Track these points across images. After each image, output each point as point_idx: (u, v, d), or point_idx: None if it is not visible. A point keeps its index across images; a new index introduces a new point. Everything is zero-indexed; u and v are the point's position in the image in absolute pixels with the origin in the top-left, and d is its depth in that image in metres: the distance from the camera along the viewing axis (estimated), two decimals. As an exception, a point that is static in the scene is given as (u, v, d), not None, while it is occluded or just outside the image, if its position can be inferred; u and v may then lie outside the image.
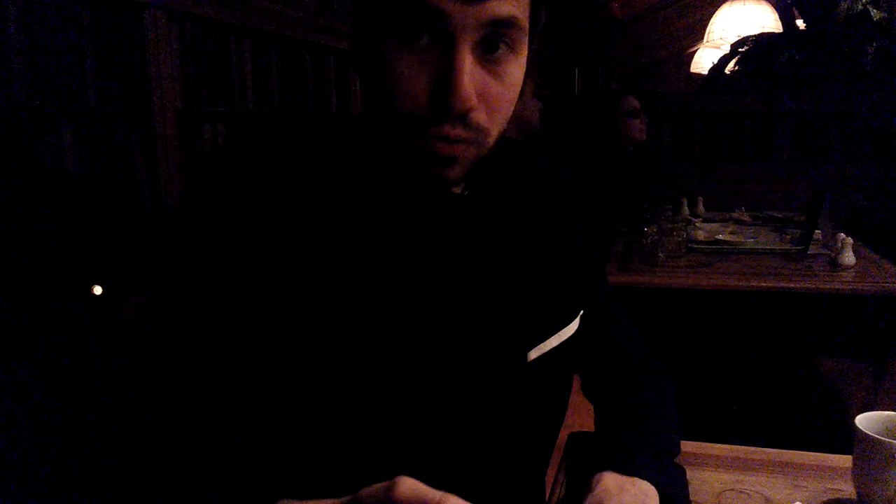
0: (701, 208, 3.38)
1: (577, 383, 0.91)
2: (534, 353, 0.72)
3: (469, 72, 0.57)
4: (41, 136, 1.44)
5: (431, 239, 0.68)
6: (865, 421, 0.79)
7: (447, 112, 0.57)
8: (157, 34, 1.68)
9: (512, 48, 0.60)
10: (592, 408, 0.89)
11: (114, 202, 1.61)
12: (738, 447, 0.93)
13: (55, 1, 1.47)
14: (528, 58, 0.65)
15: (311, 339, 0.63)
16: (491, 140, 0.63)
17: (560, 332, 0.75)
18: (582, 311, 0.80)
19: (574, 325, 0.77)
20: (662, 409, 0.82)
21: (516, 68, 0.62)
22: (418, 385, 0.66)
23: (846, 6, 3.50)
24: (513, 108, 0.64)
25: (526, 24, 0.61)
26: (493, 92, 0.60)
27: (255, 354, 0.63)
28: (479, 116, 0.60)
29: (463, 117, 0.58)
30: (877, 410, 0.80)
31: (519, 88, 0.64)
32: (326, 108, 2.47)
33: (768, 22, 4.41)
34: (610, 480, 0.69)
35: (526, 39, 0.62)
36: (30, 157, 1.41)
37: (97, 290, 1.36)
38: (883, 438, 0.74)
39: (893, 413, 0.80)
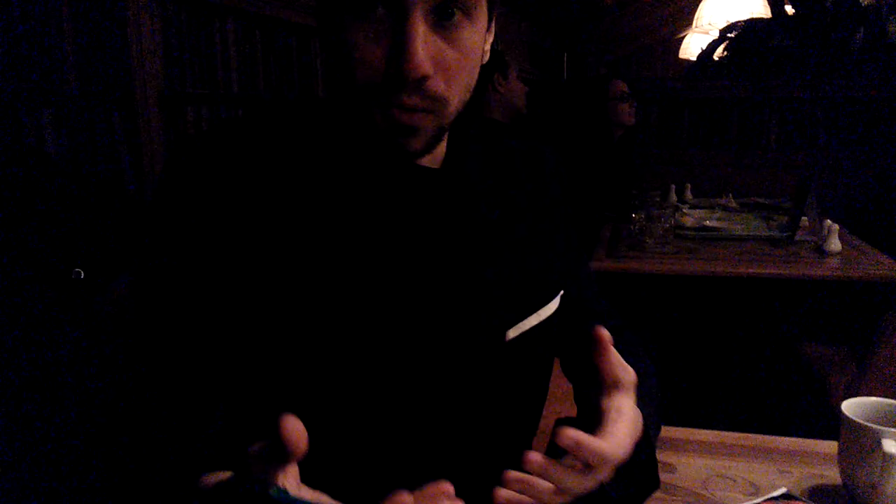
0: (688, 194, 3.40)
1: (560, 378, 0.91)
2: (512, 332, 0.72)
3: (422, 39, 0.57)
4: (20, 120, 1.42)
5: (408, 215, 0.68)
6: (852, 406, 0.79)
7: (402, 80, 0.58)
8: (138, 15, 1.65)
9: (467, 14, 0.61)
10: (572, 401, 0.88)
11: (96, 185, 1.59)
12: (724, 433, 0.93)
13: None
14: (489, 24, 0.66)
15: (289, 318, 0.62)
16: (451, 109, 0.63)
17: (539, 312, 0.75)
18: (562, 291, 0.80)
19: (553, 305, 0.78)
20: (646, 375, 0.82)
21: (473, 34, 0.62)
22: (398, 364, 0.66)
23: (835, -8, 3.50)
24: (474, 76, 0.65)
25: None
26: (450, 58, 0.60)
27: (235, 332, 0.63)
28: (437, 85, 0.60)
29: (419, 85, 0.59)
30: (860, 396, 0.81)
31: (478, 55, 0.64)
32: (313, 91, 2.44)
33: (757, 7, 4.39)
34: (626, 402, 0.65)
35: (483, 4, 0.62)
36: (9, 140, 1.38)
37: (79, 274, 1.35)
38: (869, 424, 0.74)
39: (879, 399, 0.80)
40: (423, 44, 0.57)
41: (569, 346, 0.87)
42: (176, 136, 1.83)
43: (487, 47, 0.68)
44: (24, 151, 1.41)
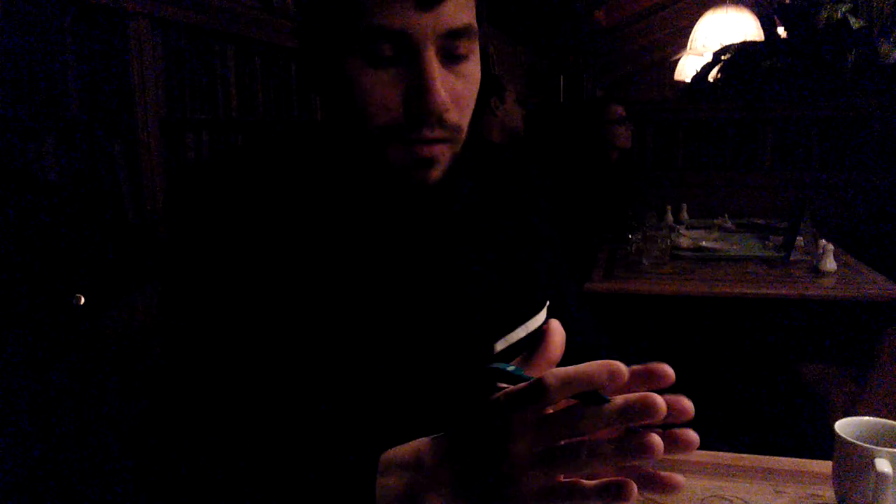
0: (685, 215, 3.41)
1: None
2: (501, 344, 0.74)
3: (440, 76, 0.60)
4: (23, 146, 1.43)
5: (398, 234, 0.70)
6: (845, 426, 0.80)
7: (423, 118, 0.60)
8: (140, 42, 1.67)
9: (469, 48, 0.64)
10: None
11: (96, 211, 1.60)
12: (721, 453, 0.93)
13: (37, 9, 1.46)
14: (481, 52, 0.68)
15: (291, 341, 0.64)
16: (463, 135, 0.66)
17: (527, 324, 0.77)
18: (548, 303, 0.82)
19: (541, 317, 0.80)
20: None
21: (475, 65, 0.65)
22: (390, 379, 0.67)
23: (826, 15, 3.54)
24: (475, 102, 0.68)
25: (475, 25, 0.64)
26: (461, 90, 0.64)
27: (245, 356, 0.65)
28: (453, 116, 0.63)
29: (439, 119, 0.61)
30: (859, 415, 0.81)
31: (479, 83, 0.67)
32: (311, 115, 2.47)
33: (750, 30, 4.45)
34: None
35: (477, 38, 0.65)
36: (11, 166, 1.40)
37: (80, 299, 1.35)
38: (861, 443, 0.75)
39: (872, 418, 0.81)
40: (441, 80, 0.60)
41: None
42: (176, 161, 1.84)
43: None
44: (25, 179, 1.43)
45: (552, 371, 0.49)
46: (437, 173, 0.64)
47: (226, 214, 0.65)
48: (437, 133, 0.62)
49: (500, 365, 0.55)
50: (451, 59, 0.62)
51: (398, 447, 0.55)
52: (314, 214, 0.67)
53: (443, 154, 0.64)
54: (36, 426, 1.16)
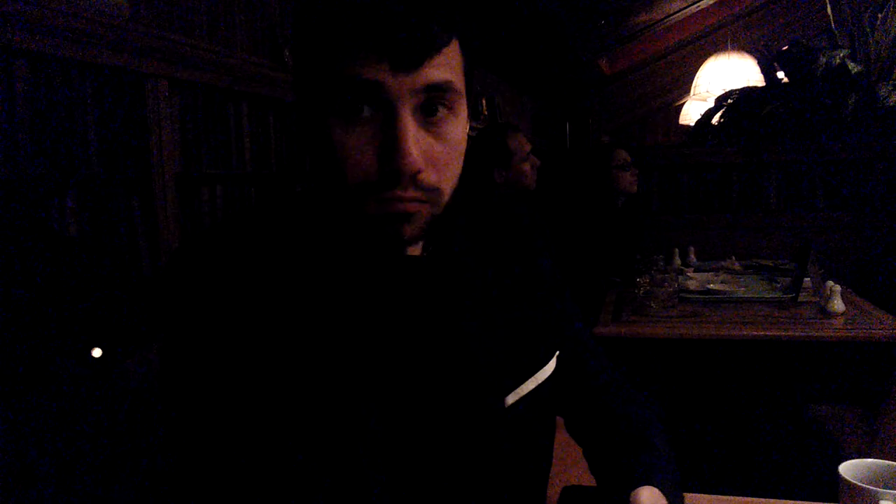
0: (692, 258, 3.42)
1: (569, 444, 0.92)
2: (511, 398, 0.74)
3: (413, 136, 0.60)
4: (45, 202, 1.48)
5: (398, 303, 0.70)
6: (850, 469, 0.81)
7: (397, 177, 0.60)
8: (157, 102, 1.73)
9: (451, 109, 0.64)
10: (579, 463, 0.90)
11: (114, 264, 1.64)
12: (730, 497, 0.94)
13: (59, 71, 1.52)
14: (468, 116, 0.68)
15: (291, 401, 0.64)
16: (444, 198, 0.66)
17: (536, 375, 0.77)
18: (557, 352, 0.82)
19: (550, 367, 0.79)
20: (657, 432, 0.83)
21: (457, 127, 0.65)
22: (402, 442, 0.68)
23: (825, 60, 3.61)
24: (461, 165, 0.67)
25: (461, 86, 0.64)
26: (438, 152, 0.64)
27: (245, 426, 0.64)
28: (429, 177, 0.63)
29: (413, 179, 0.61)
30: (872, 457, 0.82)
31: (463, 146, 0.67)
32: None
33: (752, 75, 4.53)
34: (647, 494, 0.68)
35: (463, 100, 0.66)
36: (33, 222, 1.44)
37: (96, 352, 1.38)
38: (866, 486, 0.76)
39: (878, 461, 0.82)
40: (415, 140, 0.60)
41: (571, 404, 0.88)
42: (192, 215, 1.89)
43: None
44: (46, 233, 1.47)
45: None
46: (411, 230, 0.64)
47: (221, 288, 0.65)
48: (411, 193, 0.62)
49: None
50: (430, 118, 0.63)
51: None
52: (309, 281, 0.67)
53: (419, 212, 0.63)
54: (51, 477, 1.18)
